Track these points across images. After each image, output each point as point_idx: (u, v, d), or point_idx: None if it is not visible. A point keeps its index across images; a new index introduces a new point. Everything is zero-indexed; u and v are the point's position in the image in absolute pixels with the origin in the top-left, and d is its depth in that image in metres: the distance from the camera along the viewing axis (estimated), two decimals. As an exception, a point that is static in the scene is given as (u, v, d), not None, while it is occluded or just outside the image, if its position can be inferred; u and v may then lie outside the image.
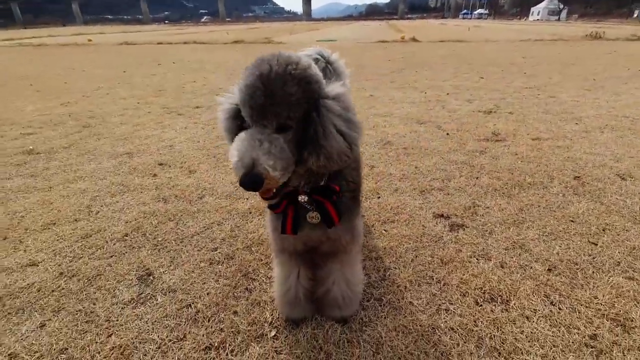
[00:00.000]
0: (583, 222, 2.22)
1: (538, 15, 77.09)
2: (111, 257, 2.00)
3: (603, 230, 2.13)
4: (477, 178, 2.81)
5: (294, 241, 1.25)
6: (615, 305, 1.60)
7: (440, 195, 2.56)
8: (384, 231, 2.16)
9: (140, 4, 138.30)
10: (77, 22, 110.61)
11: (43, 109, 5.42)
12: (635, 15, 68.48)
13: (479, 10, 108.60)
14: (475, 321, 1.53)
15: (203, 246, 2.06)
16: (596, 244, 2.00)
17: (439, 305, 1.62)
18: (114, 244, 2.12)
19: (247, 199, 2.59)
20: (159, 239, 2.13)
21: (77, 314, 1.61)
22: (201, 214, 2.38)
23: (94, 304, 1.66)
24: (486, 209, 2.38)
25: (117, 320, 1.56)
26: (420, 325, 1.51)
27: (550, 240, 2.05)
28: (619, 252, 1.93)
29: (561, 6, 77.11)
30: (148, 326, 1.52)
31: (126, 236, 2.19)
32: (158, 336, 1.47)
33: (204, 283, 1.78)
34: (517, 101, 5.26)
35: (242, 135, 0.89)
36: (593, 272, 1.80)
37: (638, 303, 1.60)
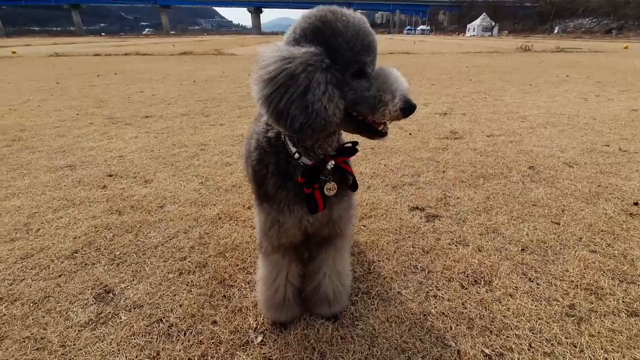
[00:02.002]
0: (544, 205, 2.36)
1: (474, 31, 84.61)
2: (60, 276, 1.73)
3: (562, 211, 2.28)
4: (443, 172, 2.90)
5: (295, 231, 1.16)
6: (585, 276, 1.69)
7: (412, 189, 2.59)
8: (362, 226, 2.12)
9: (72, 16, 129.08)
10: None
11: (-39, 123, 4.74)
12: (555, 31, 78.00)
13: (422, 27, 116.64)
14: (463, 304, 1.52)
15: (169, 256, 1.85)
16: (559, 224, 2.13)
17: (427, 292, 1.60)
18: (62, 262, 1.84)
19: (214, 205, 2.42)
20: (117, 253, 1.89)
21: (24, 341, 1.34)
22: (163, 224, 2.17)
23: (45, 329, 1.40)
24: (457, 199, 2.45)
25: (75, 345, 1.32)
26: (411, 314, 1.47)
27: (519, 224, 2.14)
28: (579, 230, 2.06)
29: (493, 23, 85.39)
30: (113, 347, 1.30)
31: (76, 253, 1.92)
32: (127, 357, 1.26)
33: (175, 295, 1.59)
34: (468, 104, 5.61)
35: (390, 69, 0.93)
36: (560, 248, 1.90)
37: (604, 273, 1.70)
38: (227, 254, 1.86)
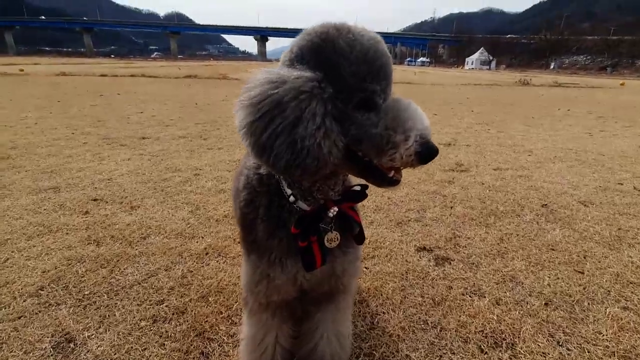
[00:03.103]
0: (563, 250, 2.15)
1: (472, 64, 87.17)
2: (19, 318, 1.50)
3: (584, 257, 2.07)
4: (451, 208, 2.71)
5: (288, 288, 0.96)
6: (621, 340, 1.46)
7: (418, 226, 2.39)
8: (365, 269, 1.90)
9: (83, 37, 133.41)
10: (9, 53, 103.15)
11: (-48, 139, 4.59)
12: (551, 67, 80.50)
13: (422, 59, 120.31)
14: (485, 374, 1.29)
15: (145, 299, 1.63)
16: (582, 273, 1.92)
17: (440, 356, 1.37)
18: (24, 301, 1.61)
19: (202, 237, 2.21)
20: (86, 292, 1.67)
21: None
22: (144, 258, 1.95)
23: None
24: (467, 239, 2.24)
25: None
26: (424, 387, 1.23)
27: (538, 271, 1.93)
28: (606, 281, 1.85)
29: (491, 57, 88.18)
30: None
31: (42, 290, 1.69)
32: None
33: (145, 349, 1.35)
34: (472, 135, 5.51)
35: (406, 101, 0.75)
36: (588, 304, 1.68)
37: (643, 336, 1.48)
38: (210, 298, 1.64)
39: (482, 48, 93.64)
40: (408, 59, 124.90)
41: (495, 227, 2.41)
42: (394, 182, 0.78)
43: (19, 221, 2.39)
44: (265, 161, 0.69)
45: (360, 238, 0.96)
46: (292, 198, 0.87)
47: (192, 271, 1.84)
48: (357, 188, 0.92)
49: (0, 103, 7.95)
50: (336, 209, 0.88)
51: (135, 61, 54.89)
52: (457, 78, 25.51)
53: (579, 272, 1.92)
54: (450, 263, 1.97)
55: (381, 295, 1.69)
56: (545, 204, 2.83)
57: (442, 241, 2.21)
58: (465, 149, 4.59)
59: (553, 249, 2.15)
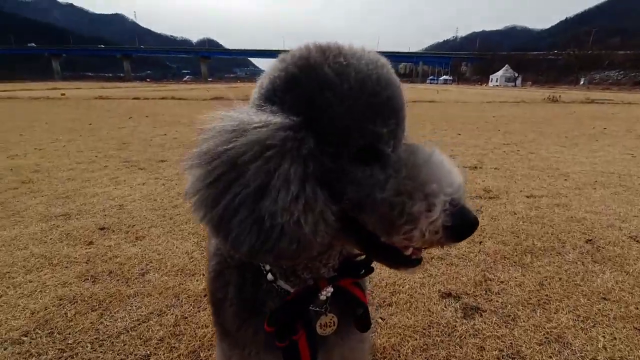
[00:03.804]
0: (617, 299, 1.82)
1: (496, 81, 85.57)
2: (-10, 373, 1.37)
3: (645, 310, 1.73)
4: (480, 243, 2.42)
5: None
6: None
7: (442, 266, 2.12)
8: (380, 319, 1.66)
9: (123, 63, 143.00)
10: (56, 78, 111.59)
11: (-17, 163, 4.77)
12: (581, 82, 77.72)
13: (444, 77, 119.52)
14: None
15: (131, 352, 1.46)
16: (646, 332, 1.58)
17: None
18: (5, 349, 1.49)
19: (203, 274, 2.04)
20: (70, 342, 1.52)
21: None
22: (138, 300, 1.80)
23: None
24: (500, 283, 1.95)
25: None
26: None
27: (590, 328, 1.61)
28: (678, 344, 1.51)
29: (516, 74, 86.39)
30: None
31: (25, 336, 1.57)
32: None
33: (120, 420, 1.17)
34: (500, 157, 5.16)
35: (428, 149, 0.55)
36: (659, 376, 1.35)
37: None
38: (202, 354, 1.44)
39: (506, 65, 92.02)
40: (430, 77, 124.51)
41: (532, 268, 2.10)
42: (413, 264, 0.57)
43: (23, 252, 2.33)
44: (222, 243, 0.51)
45: (364, 323, 0.73)
46: (270, 276, 0.67)
47: (186, 317, 1.67)
48: (362, 257, 0.71)
49: (37, 126, 8.38)
50: (330, 289, 0.67)
51: (167, 84, 57.69)
52: (481, 95, 24.92)
53: (642, 330, 1.59)
54: (481, 315, 1.69)
55: (399, 356, 1.44)
56: (590, 239, 2.48)
57: (470, 285, 1.93)
58: (493, 173, 4.26)
59: (605, 299, 1.82)
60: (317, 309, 0.68)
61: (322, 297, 0.67)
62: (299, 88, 0.53)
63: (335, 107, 0.51)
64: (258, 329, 0.67)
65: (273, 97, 0.55)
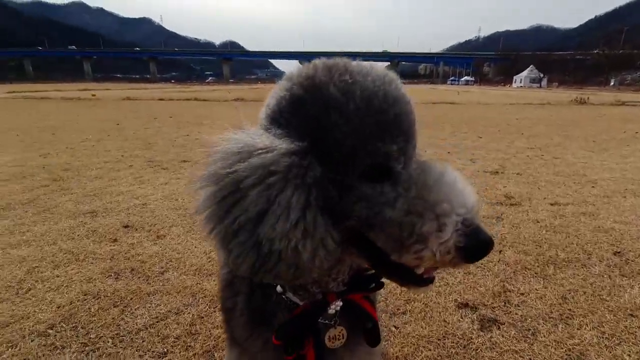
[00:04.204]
0: (647, 316, 1.73)
1: (521, 82, 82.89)
2: (20, 363, 1.45)
3: (677, 329, 1.64)
4: (500, 252, 2.36)
5: None
6: None
7: (460, 275, 2.08)
8: (393, 328, 1.64)
9: (149, 65, 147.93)
10: (87, 79, 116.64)
11: (19, 160, 5.04)
12: (611, 83, 74.21)
13: (466, 77, 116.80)
14: None
15: (148, 349, 1.51)
16: (678, 353, 1.50)
17: None
18: (32, 341, 1.57)
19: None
20: (92, 336, 1.59)
21: None
22: (157, 297, 1.86)
23: None
24: (520, 295, 1.89)
25: None
26: None
27: (615, 346, 1.54)
28: None
29: (541, 75, 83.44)
30: None
31: (51, 328, 1.65)
32: None
33: (137, 415, 1.22)
34: (522, 162, 5.00)
35: (440, 167, 0.55)
36: (691, 401, 1.27)
37: None
38: (216, 354, 1.47)
39: (531, 65, 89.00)
40: (451, 78, 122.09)
41: (555, 281, 2.03)
42: (424, 283, 0.56)
43: (51, 247, 2.45)
44: (225, 261, 0.52)
45: (373, 338, 0.72)
46: (279, 288, 0.68)
47: (202, 317, 1.71)
48: (372, 272, 0.70)
49: (68, 126, 8.79)
50: (339, 303, 0.67)
51: (191, 85, 59.20)
52: (504, 97, 24.20)
53: (673, 351, 1.51)
54: (499, 327, 1.65)
55: (411, 366, 1.42)
56: (619, 251, 2.37)
57: (488, 296, 1.88)
58: (515, 178, 4.13)
59: (633, 315, 1.74)
60: (326, 321, 0.68)
61: (331, 311, 0.67)
62: (304, 109, 0.54)
63: (342, 127, 0.51)
64: (267, 340, 0.68)
65: (279, 118, 0.56)
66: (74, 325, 1.66)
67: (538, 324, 1.67)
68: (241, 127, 0.58)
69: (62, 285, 1.99)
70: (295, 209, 0.49)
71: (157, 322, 1.67)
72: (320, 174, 0.52)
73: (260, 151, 0.50)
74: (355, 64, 0.56)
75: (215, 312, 1.75)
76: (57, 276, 2.09)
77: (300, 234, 0.49)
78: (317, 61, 0.58)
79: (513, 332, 1.61)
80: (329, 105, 0.52)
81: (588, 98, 19.70)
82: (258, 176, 0.49)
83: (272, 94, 0.61)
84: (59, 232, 2.68)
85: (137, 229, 2.75)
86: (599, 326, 1.65)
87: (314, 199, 0.50)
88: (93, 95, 23.27)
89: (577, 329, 1.64)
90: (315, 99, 0.53)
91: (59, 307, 1.79)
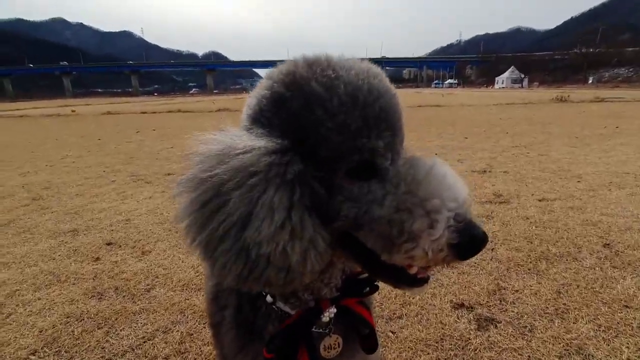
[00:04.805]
0: (640, 307, 1.73)
1: (502, 83, 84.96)
2: (-5, 396, 1.35)
3: (671, 318, 1.64)
4: (492, 250, 2.35)
5: None
6: None
7: (454, 275, 2.06)
8: (390, 333, 1.60)
9: (131, 79, 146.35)
10: (67, 95, 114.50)
11: (-4, 180, 4.87)
12: (590, 81, 76.86)
13: (449, 80, 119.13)
14: None
15: (135, 372, 1.43)
16: (673, 342, 1.50)
17: None
18: (11, 370, 1.47)
19: (210, 289, 2.02)
20: (75, 361, 1.50)
21: None
22: (143, 316, 1.78)
23: None
24: (515, 292, 1.88)
25: None
26: None
27: (612, 338, 1.53)
28: None
29: (522, 75, 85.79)
30: None
31: (33, 354, 1.56)
32: None
33: None
34: (509, 160, 5.07)
35: (430, 161, 0.52)
36: (690, 390, 1.27)
37: None
38: (207, 373, 1.41)
39: (512, 66, 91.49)
40: (435, 81, 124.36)
41: (548, 276, 2.03)
42: (418, 283, 0.54)
43: (32, 269, 2.34)
44: (210, 269, 0.49)
45: (370, 344, 0.68)
46: (269, 298, 0.64)
47: (192, 334, 1.64)
48: (366, 275, 0.67)
49: (47, 142, 8.56)
50: (333, 309, 0.64)
51: (174, 97, 58.70)
52: (487, 98, 24.72)
53: (669, 340, 1.51)
54: (496, 326, 1.63)
55: (411, 372, 1.39)
56: (608, 243, 2.39)
57: (483, 295, 1.86)
58: (503, 177, 4.18)
59: (627, 306, 1.74)
60: (321, 330, 0.65)
61: (325, 319, 0.64)
62: (285, 107, 0.51)
63: (326, 123, 0.49)
64: (258, 354, 0.64)
65: (261, 117, 0.54)
66: (57, 349, 1.57)
67: (534, 320, 1.65)
68: (222, 129, 0.54)
69: (44, 308, 1.89)
70: (279, 210, 0.46)
71: (144, 342, 1.59)
72: (303, 171, 0.49)
73: (239, 152, 0.48)
74: (337, 58, 0.54)
75: (205, 328, 1.68)
76: (39, 299, 1.99)
77: (288, 235, 0.46)
78: (297, 57, 0.55)
79: (510, 330, 1.59)
80: (311, 101, 0.50)
81: (568, 96, 20.27)
82: (239, 178, 0.46)
83: (253, 93, 0.58)
84: (39, 253, 2.57)
85: (120, 246, 2.65)
86: (594, 319, 1.65)
87: (298, 198, 0.48)
88: (73, 111, 22.80)
89: (573, 323, 1.63)
90: (297, 95, 0.51)
91: (41, 332, 1.70)
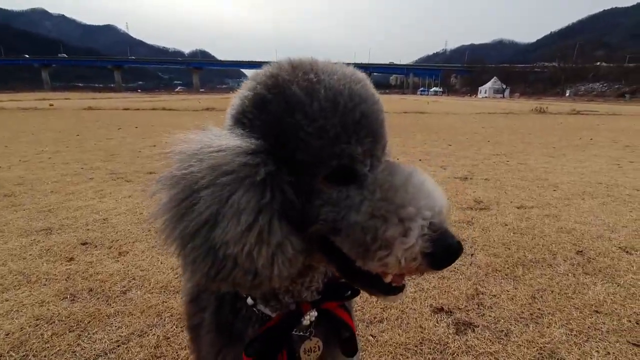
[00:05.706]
0: (610, 312, 1.80)
1: (485, 93, 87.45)
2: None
3: (637, 323, 1.72)
4: (471, 255, 2.40)
5: None
6: None
7: (433, 279, 2.09)
8: (370, 337, 1.61)
9: (114, 74, 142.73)
10: (45, 89, 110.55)
11: (-36, 175, 4.64)
12: (567, 94, 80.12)
13: (434, 88, 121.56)
14: None
15: (108, 377, 1.38)
16: (639, 346, 1.56)
17: None
18: (-28, 375, 1.40)
19: (189, 291, 1.98)
20: (43, 366, 1.44)
21: None
22: (118, 319, 1.72)
23: None
24: (492, 297, 1.92)
25: None
26: None
27: (583, 343, 1.58)
28: (671, 358, 1.49)
29: (504, 86, 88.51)
30: None
31: (-3, 359, 1.48)
32: None
33: None
34: (490, 168, 5.20)
35: (409, 169, 0.51)
36: (654, 393, 1.32)
37: None
38: (184, 378, 1.38)
39: (495, 77, 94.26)
40: (421, 88, 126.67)
41: (524, 281, 2.08)
42: (393, 292, 0.54)
43: (0, 269, 2.23)
44: (183, 269, 0.48)
45: (350, 348, 0.68)
46: (250, 300, 0.63)
47: (168, 337, 1.60)
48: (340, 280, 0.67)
49: (23, 137, 8.22)
50: (314, 313, 0.64)
51: (159, 95, 57.54)
52: (470, 107, 25.35)
53: (635, 344, 1.57)
54: (473, 330, 1.66)
55: (389, 376, 1.39)
56: (581, 250, 2.48)
57: (462, 299, 1.89)
58: (483, 184, 4.28)
59: (597, 311, 1.80)
60: (301, 333, 0.64)
61: (306, 322, 0.63)
62: (267, 110, 0.51)
63: (306, 127, 0.49)
64: (236, 358, 0.63)
65: (243, 118, 0.54)
66: (24, 353, 1.50)
67: (510, 324, 1.69)
68: (203, 128, 0.54)
69: (12, 310, 1.80)
70: (247, 212, 0.46)
71: (118, 346, 1.54)
72: (275, 173, 0.49)
73: (213, 150, 0.47)
74: (322, 62, 0.54)
75: (182, 331, 1.64)
76: (6, 300, 1.90)
77: (254, 238, 0.46)
78: (282, 60, 0.55)
79: (487, 334, 1.62)
80: (291, 105, 0.50)
81: (547, 108, 21.04)
82: (212, 177, 0.46)
83: (237, 93, 0.58)
84: (9, 252, 2.45)
85: (96, 246, 2.57)
86: (567, 324, 1.70)
87: (268, 202, 0.47)
88: (51, 105, 21.97)
89: (547, 327, 1.68)
90: (278, 98, 0.51)
91: (7, 335, 1.62)
